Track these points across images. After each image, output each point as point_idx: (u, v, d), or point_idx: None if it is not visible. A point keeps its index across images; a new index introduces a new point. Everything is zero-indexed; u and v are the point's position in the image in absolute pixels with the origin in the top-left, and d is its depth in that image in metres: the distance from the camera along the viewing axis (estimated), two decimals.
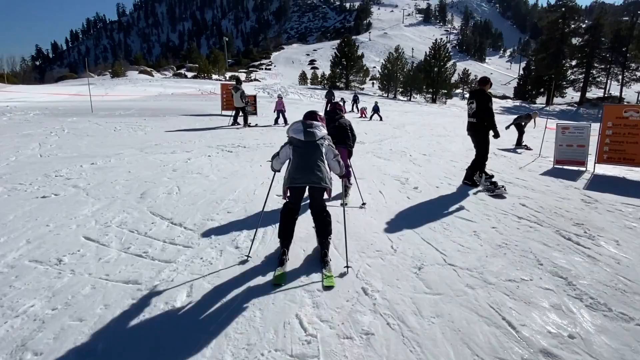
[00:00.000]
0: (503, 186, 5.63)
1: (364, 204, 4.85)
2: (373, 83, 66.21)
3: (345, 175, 3.90)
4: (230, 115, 13.56)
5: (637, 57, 40.49)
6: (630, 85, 53.05)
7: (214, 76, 57.95)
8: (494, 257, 3.45)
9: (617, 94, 54.62)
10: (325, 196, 3.26)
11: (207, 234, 3.80)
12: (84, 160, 6.78)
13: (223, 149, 8.44)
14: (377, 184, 5.93)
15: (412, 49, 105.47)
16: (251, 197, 5.05)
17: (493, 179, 5.73)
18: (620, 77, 53.33)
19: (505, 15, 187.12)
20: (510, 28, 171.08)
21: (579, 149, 7.67)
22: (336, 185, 3.77)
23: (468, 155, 7.65)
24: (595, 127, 8.96)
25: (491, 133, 5.55)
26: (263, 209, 3.55)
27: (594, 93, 57.37)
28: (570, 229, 4.20)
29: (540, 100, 59.22)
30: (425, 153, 8.95)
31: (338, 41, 63.20)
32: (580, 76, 55.08)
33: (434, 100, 52.29)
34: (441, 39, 61.11)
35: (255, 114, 16.12)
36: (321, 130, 3.23)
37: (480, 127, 5.54)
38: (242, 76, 68.07)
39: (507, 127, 11.93)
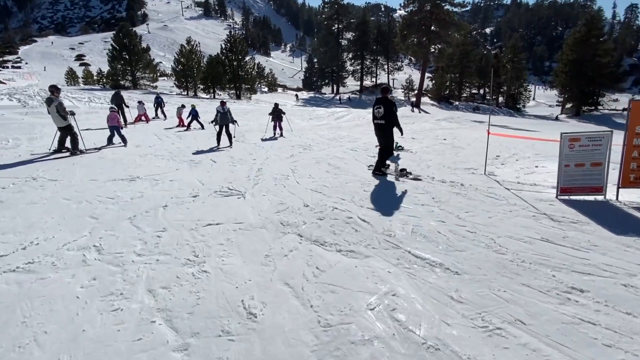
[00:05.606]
0: (405, 169, 6.71)
1: None
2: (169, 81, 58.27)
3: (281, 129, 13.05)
4: None
5: (399, 49, 48.69)
6: (393, 73, 64.81)
7: None
8: None
9: (385, 81, 65.94)
10: (232, 126, 10.86)
11: None
12: None
13: None
14: None
15: (199, 43, 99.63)
16: None
17: (400, 168, 6.65)
18: (386, 67, 64.39)
19: (280, 12, 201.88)
20: (286, 24, 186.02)
21: (593, 168, 5.25)
22: None
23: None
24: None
25: (397, 132, 6.55)
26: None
27: (370, 82, 67.47)
28: None
29: (325, 90, 65.57)
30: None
31: (111, 33, 51.89)
32: (357, 67, 63.58)
33: (238, 97, 49.66)
34: (230, 32, 58.48)
35: None
36: (228, 108, 10.81)
37: (388, 126, 6.53)
38: None
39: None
